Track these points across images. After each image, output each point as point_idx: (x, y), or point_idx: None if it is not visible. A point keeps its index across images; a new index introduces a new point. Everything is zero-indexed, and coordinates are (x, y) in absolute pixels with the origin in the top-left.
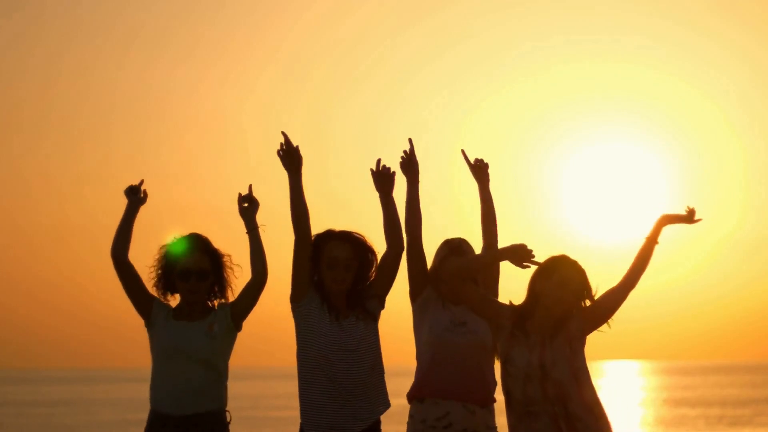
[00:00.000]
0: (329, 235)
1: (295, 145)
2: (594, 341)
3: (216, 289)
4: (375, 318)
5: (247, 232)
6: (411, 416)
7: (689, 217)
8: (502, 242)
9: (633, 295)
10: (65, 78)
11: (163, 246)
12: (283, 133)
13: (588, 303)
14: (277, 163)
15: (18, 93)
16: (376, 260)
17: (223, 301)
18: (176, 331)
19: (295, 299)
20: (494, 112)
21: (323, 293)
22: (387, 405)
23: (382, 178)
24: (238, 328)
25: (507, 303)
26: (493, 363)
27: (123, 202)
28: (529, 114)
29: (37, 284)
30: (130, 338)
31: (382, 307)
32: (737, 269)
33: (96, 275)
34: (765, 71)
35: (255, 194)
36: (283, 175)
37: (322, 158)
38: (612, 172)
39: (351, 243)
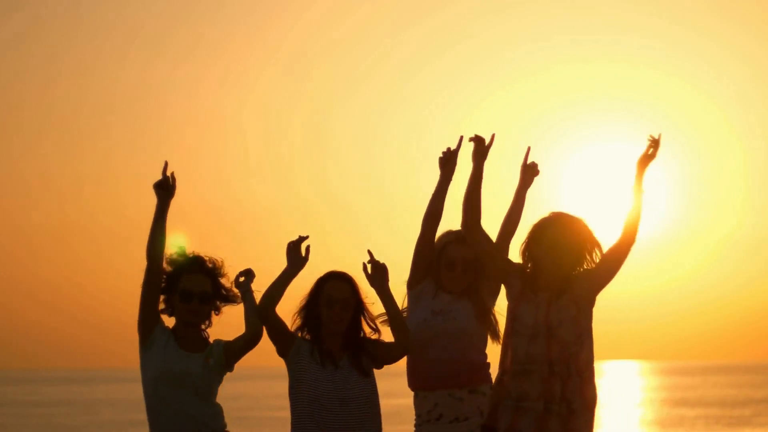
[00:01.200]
0: (328, 275)
1: (305, 248)
2: (594, 341)
3: (219, 304)
4: (367, 373)
5: (240, 298)
6: (414, 409)
7: (656, 144)
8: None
9: (633, 295)
10: (65, 78)
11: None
12: (300, 237)
13: (595, 256)
14: (276, 163)
15: (18, 93)
16: (369, 311)
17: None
18: (176, 357)
19: (283, 354)
20: (494, 112)
21: (316, 335)
22: None
23: (374, 275)
24: (230, 368)
25: (519, 262)
26: (483, 346)
27: (122, 202)
28: (529, 114)
29: (37, 284)
30: (130, 338)
31: (378, 368)
32: (737, 269)
33: (96, 275)
34: (765, 72)
35: (253, 194)
36: (282, 174)
37: (322, 158)
38: (612, 173)
39: (350, 283)
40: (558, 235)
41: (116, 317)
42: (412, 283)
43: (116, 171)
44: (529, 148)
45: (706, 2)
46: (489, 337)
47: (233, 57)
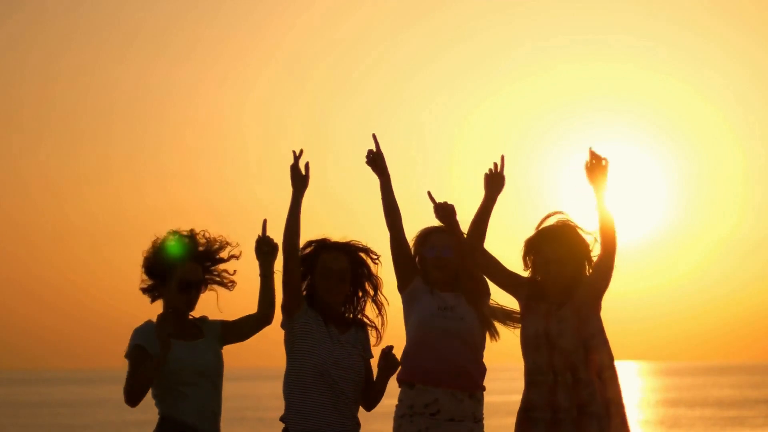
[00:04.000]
0: (324, 245)
1: (304, 169)
2: None
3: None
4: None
5: (260, 276)
6: (400, 400)
7: (594, 157)
8: (504, 241)
9: (632, 295)
10: (65, 78)
11: (157, 243)
12: (296, 155)
13: (592, 263)
14: (276, 163)
15: (18, 93)
16: (373, 276)
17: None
18: (190, 351)
19: (289, 312)
20: (494, 112)
21: (317, 306)
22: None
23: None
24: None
25: (525, 275)
26: (483, 349)
27: (122, 202)
28: (528, 114)
29: (37, 284)
30: (129, 338)
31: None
32: (736, 269)
33: (96, 275)
34: (764, 73)
35: (253, 194)
36: (282, 174)
37: (322, 158)
38: (611, 173)
39: (346, 253)
40: (554, 252)
41: (116, 317)
42: (403, 285)
43: (116, 171)
44: (429, 193)
45: (706, 3)
46: (488, 335)
47: (233, 57)
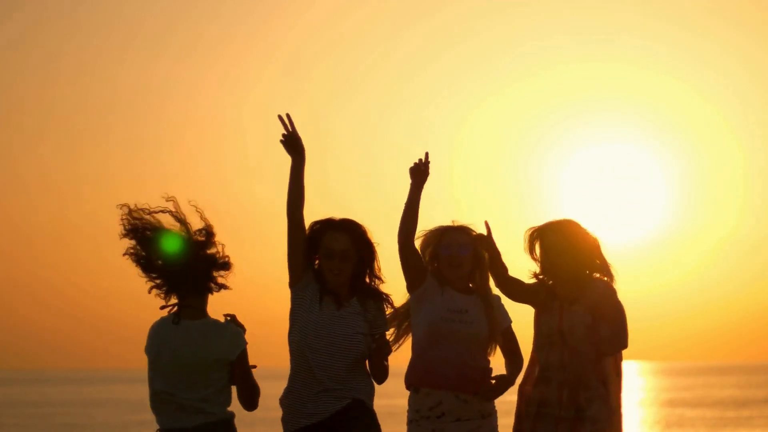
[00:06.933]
0: (328, 225)
1: (290, 131)
2: None
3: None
4: (381, 308)
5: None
6: (409, 405)
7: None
8: (504, 241)
9: (633, 295)
10: (65, 78)
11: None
12: (280, 117)
13: (599, 258)
14: (276, 163)
15: (18, 93)
16: (375, 255)
17: None
18: None
19: (292, 283)
20: (494, 112)
21: (322, 282)
22: (367, 395)
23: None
24: None
25: (536, 280)
26: (489, 350)
27: (121, 202)
28: (528, 114)
29: (37, 284)
30: (129, 338)
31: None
32: (736, 270)
33: (95, 276)
34: (764, 73)
35: (253, 194)
36: (282, 175)
37: (322, 158)
38: (612, 173)
39: (349, 233)
40: (550, 242)
41: (116, 317)
42: (413, 287)
43: (116, 171)
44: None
45: (706, 3)
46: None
47: (233, 57)
